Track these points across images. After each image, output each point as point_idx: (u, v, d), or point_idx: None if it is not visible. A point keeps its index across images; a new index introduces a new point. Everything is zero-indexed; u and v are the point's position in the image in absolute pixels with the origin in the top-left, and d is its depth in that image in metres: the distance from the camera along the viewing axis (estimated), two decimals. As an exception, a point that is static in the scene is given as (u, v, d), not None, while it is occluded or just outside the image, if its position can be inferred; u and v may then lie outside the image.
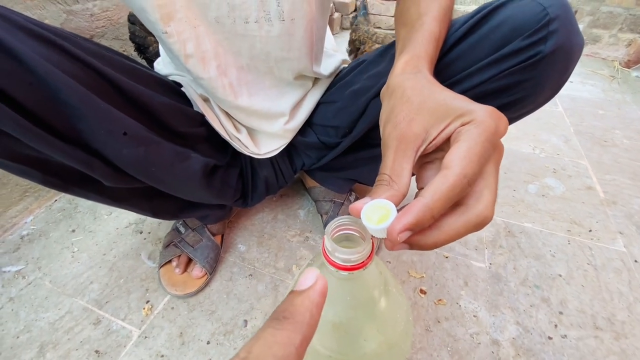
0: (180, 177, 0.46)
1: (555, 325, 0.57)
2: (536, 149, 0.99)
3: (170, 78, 0.53)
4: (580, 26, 1.36)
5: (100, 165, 0.39)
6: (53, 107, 0.33)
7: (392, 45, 0.49)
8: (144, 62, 0.87)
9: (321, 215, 0.74)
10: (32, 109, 0.32)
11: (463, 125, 0.23)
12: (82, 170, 0.38)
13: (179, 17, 0.40)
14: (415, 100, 0.27)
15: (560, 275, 0.64)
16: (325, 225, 0.72)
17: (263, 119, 0.53)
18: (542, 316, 0.58)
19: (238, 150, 0.55)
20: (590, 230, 0.74)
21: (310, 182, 0.78)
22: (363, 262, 0.21)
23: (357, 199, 0.75)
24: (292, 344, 0.12)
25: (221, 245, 0.68)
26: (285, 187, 0.80)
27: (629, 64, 1.53)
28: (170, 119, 0.45)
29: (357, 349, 0.24)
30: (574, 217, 0.77)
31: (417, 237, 0.21)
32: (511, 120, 0.46)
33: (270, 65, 0.48)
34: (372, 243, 0.21)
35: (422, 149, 0.24)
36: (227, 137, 0.52)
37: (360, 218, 0.19)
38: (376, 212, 0.19)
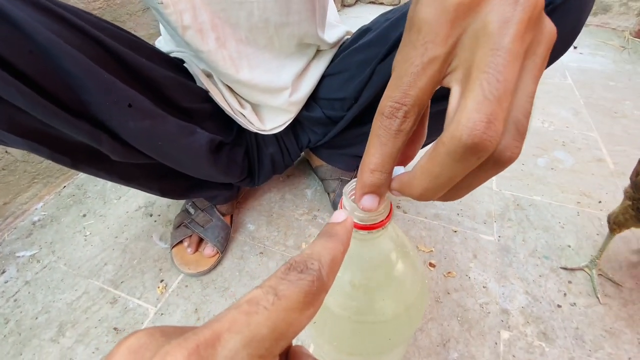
0: (186, 152, 0.46)
1: (564, 294, 0.57)
2: (545, 122, 0.98)
3: (172, 55, 0.52)
4: None
5: (107, 139, 0.39)
6: (56, 77, 0.33)
7: (397, 10, 0.48)
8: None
9: (328, 194, 0.74)
10: (34, 78, 0.32)
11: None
12: (90, 143, 0.39)
13: None
14: None
15: (569, 246, 0.64)
16: (332, 204, 0.72)
17: (266, 93, 0.52)
18: (551, 285, 0.58)
19: (243, 126, 0.54)
20: (600, 202, 0.73)
21: (317, 161, 0.77)
22: (382, 221, 0.20)
23: (364, 176, 0.75)
24: (340, 251, 0.14)
25: (231, 225, 0.68)
26: (292, 167, 0.80)
27: (639, 34, 1.48)
28: (174, 93, 0.45)
29: (375, 309, 0.24)
30: (584, 189, 0.76)
31: (402, 184, 0.17)
32: None
33: (270, 35, 0.47)
34: (390, 203, 0.21)
35: None
36: (231, 113, 0.52)
37: None
38: None
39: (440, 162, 0.14)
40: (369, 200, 0.17)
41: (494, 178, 0.80)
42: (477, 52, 0.13)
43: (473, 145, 0.13)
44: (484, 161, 0.14)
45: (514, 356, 0.50)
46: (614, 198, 0.74)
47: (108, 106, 0.37)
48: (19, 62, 0.30)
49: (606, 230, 0.67)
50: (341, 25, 0.59)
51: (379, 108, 0.16)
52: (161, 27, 0.56)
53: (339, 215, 0.17)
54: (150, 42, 0.45)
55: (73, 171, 0.83)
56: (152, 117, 0.41)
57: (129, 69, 0.40)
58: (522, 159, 0.85)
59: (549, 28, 0.14)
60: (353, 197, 0.22)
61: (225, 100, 0.52)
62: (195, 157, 0.48)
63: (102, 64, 0.36)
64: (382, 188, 0.17)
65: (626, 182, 0.77)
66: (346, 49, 0.54)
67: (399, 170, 0.18)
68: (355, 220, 0.20)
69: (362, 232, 0.21)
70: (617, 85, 1.16)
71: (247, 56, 0.48)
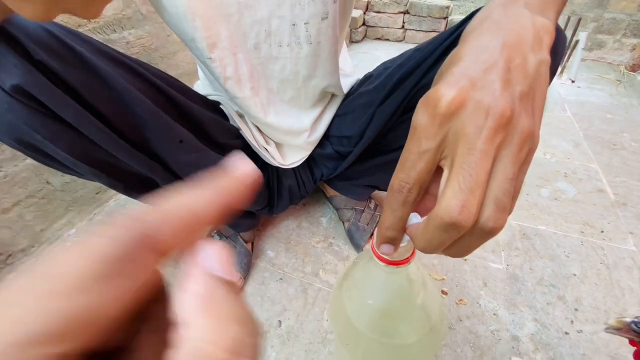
0: None
1: (571, 321, 0.60)
2: (547, 154, 1.03)
3: (210, 97, 0.59)
4: (586, 33, 1.40)
5: (160, 169, 0.46)
6: (127, 117, 0.40)
7: (394, 60, 0.55)
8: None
9: (343, 223, 0.79)
10: (110, 118, 0.39)
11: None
12: (145, 172, 0.45)
13: (222, 45, 0.46)
14: None
15: (574, 275, 0.68)
16: (347, 232, 0.77)
17: (288, 135, 0.59)
18: (558, 313, 0.61)
19: (267, 160, 0.60)
20: (602, 231, 0.77)
21: (331, 192, 0.83)
22: (407, 258, 0.25)
23: (376, 206, 0.80)
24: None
25: (252, 252, 0.73)
26: (307, 197, 0.85)
27: (634, 68, 1.56)
28: (214, 131, 0.51)
29: (401, 333, 0.28)
30: (586, 218, 0.80)
31: (411, 236, 0.22)
32: None
33: (298, 86, 0.54)
34: (414, 246, 0.26)
35: None
36: (257, 148, 0.58)
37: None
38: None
39: (431, 231, 0.19)
40: (386, 248, 0.23)
41: (499, 208, 0.84)
42: (458, 148, 0.18)
43: (451, 223, 0.17)
44: (470, 231, 0.18)
45: (525, 382, 0.52)
46: (616, 227, 0.78)
47: (164, 142, 0.43)
48: (99, 105, 0.38)
49: (610, 259, 0.70)
50: (354, 75, 0.66)
51: (390, 184, 0.21)
52: (200, 72, 0.63)
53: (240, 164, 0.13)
54: (180, 79, 0.53)
55: (103, 199, 0.89)
56: (197, 151, 0.48)
57: (181, 110, 0.47)
58: (527, 189, 0.89)
59: (521, 126, 0.18)
60: None
61: (254, 138, 0.59)
62: None
63: (161, 106, 0.43)
64: (395, 240, 0.22)
65: (627, 213, 0.81)
66: (353, 93, 0.61)
67: (415, 217, 0.23)
68: (386, 257, 0.25)
69: (390, 266, 0.25)
70: (614, 117, 1.22)
71: (274, 104, 0.55)
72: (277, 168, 0.65)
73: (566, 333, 0.58)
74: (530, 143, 0.19)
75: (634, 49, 1.58)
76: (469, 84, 0.19)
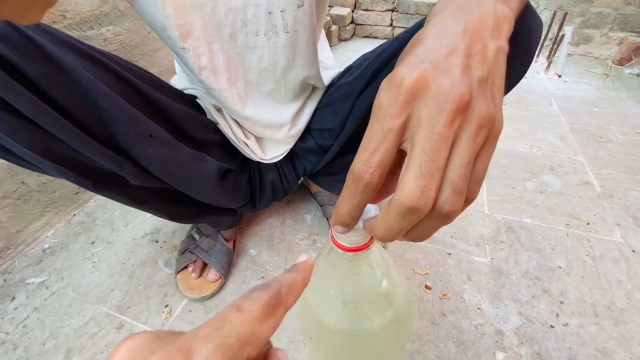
0: (197, 177, 0.51)
1: (557, 315, 0.59)
2: (533, 148, 1.03)
3: (186, 91, 0.57)
4: (571, 27, 1.40)
5: (128, 165, 0.44)
6: (91, 111, 0.38)
7: (374, 51, 0.53)
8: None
9: (327, 219, 0.78)
10: (72, 112, 0.37)
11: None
12: (113, 169, 0.43)
13: (196, 35, 0.45)
14: None
15: (560, 267, 0.67)
16: (331, 228, 0.75)
17: (268, 128, 0.57)
18: (543, 306, 0.60)
19: (247, 155, 0.59)
20: (588, 223, 0.76)
21: (315, 188, 0.81)
22: (365, 244, 0.24)
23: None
24: (300, 279, 0.17)
25: (233, 250, 0.71)
26: (291, 193, 0.84)
27: (621, 62, 1.57)
28: (188, 125, 0.50)
29: (365, 324, 0.27)
30: (572, 211, 0.80)
31: (369, 228, 0.22)
32: None
33: (277, 78, 0.52)
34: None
35: None
36: (237, 143, 0.57)
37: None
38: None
39: (392, 217, 0.19)
40: (340, 230, 0.22)
41: (485, 202, 0.83)
42: (418, 131, 0.18)
43: (411, 208, 0.17)
44: (428, 215, 0.18)
45: (509, 377, 0.51)
46: (602, 220, 0.77)
47: (132, 136, 0.42)
48: (60, 98, 0.36)
49: (596, 251, 0.69)
50: (335, 68, 0.65)
51: (351, 168, 0.20)
52: (177, 66, 0.62)
53: (302, 257, 0.20)
54: (161, 78, 0.51)
55: (83, 200, 0.87)
56: (168, 146, 0.46)
57: (151, 104, 0.45)
58: (512, 183, 0.89)
59: (477, 110, 0.18)
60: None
61: (232, 132, 0.57)
62: (205, 183, 0.53)
63: (129, 99, 0.41)
64: (349, 225, 0.22)
65: (614, 205, 0.81)
66: (333, 85, 0.60)
67: (370, 209, 0.22)
68: (344, 244, 0.24)
69: (349, 253, 0.24)
70: (601, 111, 1.22)
71: (252, 96, 0.54)
72: (258, 163, 0.63)
73: (552, 326, 0.57)
74: (488, 127, 0.19)
75: (621, 43, 1.58)
76: (431, 66, 0.19)
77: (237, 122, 0.58)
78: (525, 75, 1.51)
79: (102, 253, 0.74)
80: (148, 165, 0.46)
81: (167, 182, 0.50)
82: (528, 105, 1.27)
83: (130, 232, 0.79)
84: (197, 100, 0.57)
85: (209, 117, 0.56)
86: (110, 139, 0.41)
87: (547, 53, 1.55)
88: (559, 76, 1.45)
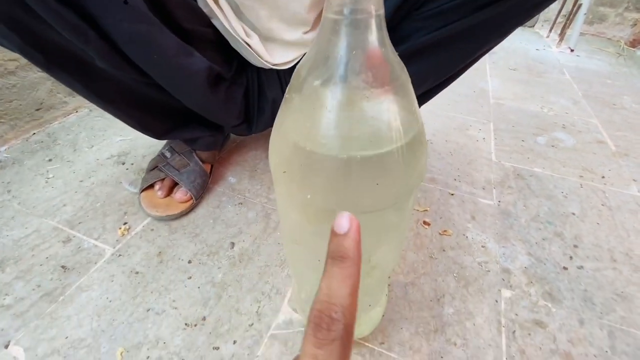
0: (182, 73, 0.42)
1: (571, 257, 0.52)
2: (544, 108, 0.95)
3: None
4: (586, 3, 1.33)
5: (95, 37, 0.35)
6: None
7: None
8: None
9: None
10: None
11: None
12: (74, 40, 0.34)
13: None
14: None
15: (573, 214, 0.60)
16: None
17: (283, 23, 0.48)
18: (555, 249, 0.53)
19: (247, 58, 0.49)
20: (603, 177, 0.69)
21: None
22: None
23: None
24: (356, 276, 0.14)
25: (210, 175, 0.63)
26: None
27: (634, 44, 1.51)
28: (175, 9, 0.40)
29: (362, 139, 0.18)
30: (586, 165, 0.73)
31: None
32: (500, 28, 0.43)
33: None
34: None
35: None
36: (237, 39, 0.46)
37: None
38: None
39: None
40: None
41: (492, 150, 0.76)
42: None
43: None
44: None
45: (516, 314, 0.44)
46: (618, 175, 0.70)
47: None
48: None
49: (612, 202, 0.63)
50: None
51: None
52: None
53: (342, 223, 0.14)
54: None
55: (45, 119, 0.77)
56: (149, 23, 0.36)
57: None
58: (522, 136, 0.82)
59: None
60: None
61: (231, 27, 0.46)
62: (191, 82, 0.43)
63: None
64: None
65: (630, 162, 0.74)
66: None
67: None
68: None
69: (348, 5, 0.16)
70: (614, 83, 1.16)
71: None
72: (258, 75, 0.54)
73: (564, 268, 0.50)
74: None
75: (635, 24, 1.52)
76: None
77: (237, 16, 0.47)
78: (537, 48, 1.45)
79: (59, 170, 0.65)
80: (122, 42, 0.36)
81: (145, 69, 0.40)
82: (540, 72, 1.19)
83: (95, 153, 0.70)
84: None
85: (201, 5, 0.44)
86: (76, 1, 0.32)
87: (559, 30, 1.48)
88: (572, 50, 1.39)
